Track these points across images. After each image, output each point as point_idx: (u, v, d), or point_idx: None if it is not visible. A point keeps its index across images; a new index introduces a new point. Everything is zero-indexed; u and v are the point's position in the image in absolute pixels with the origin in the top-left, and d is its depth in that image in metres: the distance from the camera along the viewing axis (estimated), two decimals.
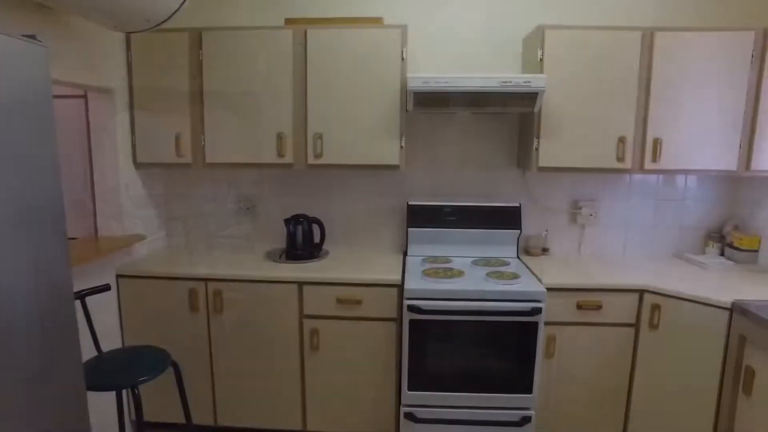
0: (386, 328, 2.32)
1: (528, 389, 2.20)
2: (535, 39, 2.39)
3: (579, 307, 2.26)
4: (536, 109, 2.30)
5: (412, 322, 2.19)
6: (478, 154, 2.76)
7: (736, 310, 1.97)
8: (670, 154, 2.37)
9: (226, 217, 2.88)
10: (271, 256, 2.59)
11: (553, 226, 2.81)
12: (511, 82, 2.18)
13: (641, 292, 2.24)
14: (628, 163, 2.38)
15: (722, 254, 2.67)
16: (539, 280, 2.28)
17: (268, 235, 2.87)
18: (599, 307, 2.25)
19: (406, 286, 2.19)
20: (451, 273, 2.33)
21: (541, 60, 2.32)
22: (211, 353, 2.40)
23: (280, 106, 2.41)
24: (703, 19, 2.63)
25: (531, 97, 2.22)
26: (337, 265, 2.47)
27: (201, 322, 2.37)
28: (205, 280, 2.33)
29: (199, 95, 2.43)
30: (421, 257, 2.68)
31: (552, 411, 2.35)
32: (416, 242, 2.71)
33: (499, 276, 2.29)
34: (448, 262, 2.58)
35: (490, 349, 2.19)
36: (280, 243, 2.87)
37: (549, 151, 2.39)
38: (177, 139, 2.46)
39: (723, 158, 2.37)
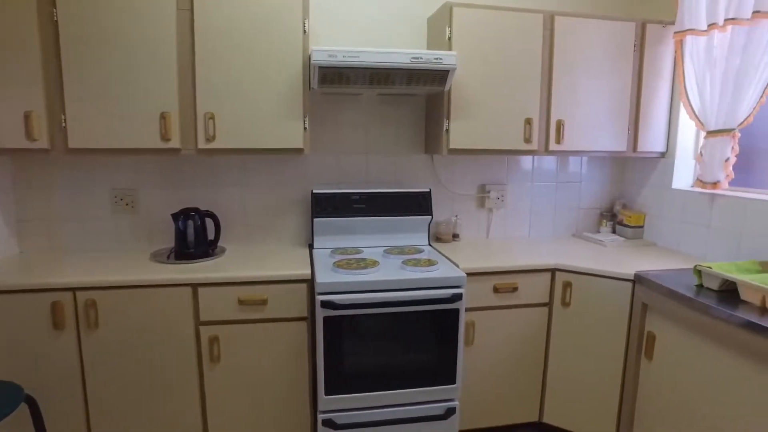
0: (297, 329, 2.09)
1: (451, 379, 2.11)
2: (442, 18, 2.31)
3: (496, 290, 2.23)
4: (447, 88, 2.22)
5: (326, 319, 1.99)
6: (384, 138, 2.63)
7: (638, 280, 2.07)
8: (571, 135, 2.44)
9: (98, 215, 2.43)
10: (158, 257, 2.23)
11: (462, 211, 2.78)
12: (422, 58, 2.07)
13: (553, 271, 2.27)
14: (534, 145, 2.40)
15: (614, 231, 2.84)
16: (456, 265, 2.21)
17: (154, 232, 2.48)
18: (515, 289, 2.24)
19: (317, 280, 1.98)
20: (364, 263, 2.17)
21: (449, 38, 2.25)
22: (84, 379, 1.98)
23: (163, 80, 2.06)
24: (598, 7, 2.76)
25: (442, 75, 2.14)
26: (236, 262, 2.19)
27: (69, 342, 1.94)
28: (73, 289, 1.91)
29: (56, 65, 2.00)
30: (329, 249, 2.49)
31: (473, 398, 2.30)
32: (323, 233, 2.51)
33: (416, 263, 2.18)
34: (358, 252, 2.41)
35: (411, 342, 2.07)
36: (168, 241, 2.50)
37: (459, 133, 2.33)
38: (27, 118, 1.99)
39: (615, 140, 2.49)
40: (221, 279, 1.99)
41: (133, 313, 1.96)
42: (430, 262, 2.19)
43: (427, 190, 2.59)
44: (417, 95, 2.58)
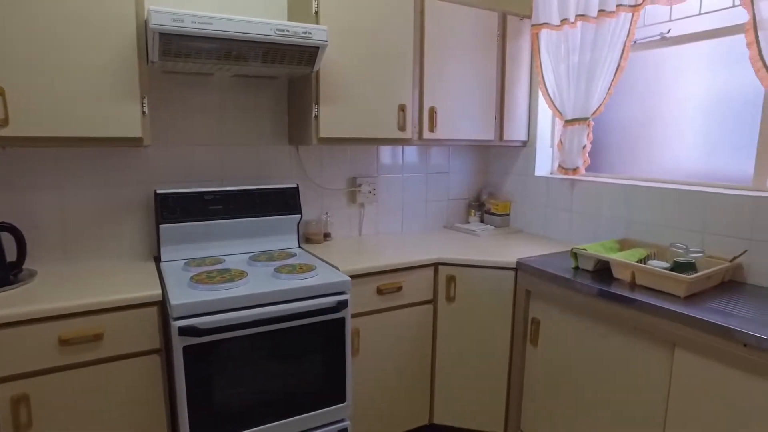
0: (147, 366, 1.65)
1: (341, 398, 1.87)
2: None
3: (380, 292, 2.05)
4: (316, 69, 1.96)
5: (187, 349, 1.59)
6: (242, 128, 2.27)
7: (520, 268, 2.06)
8: (444, 124, 2.37)
9: None
10: None
11: (332, 208, 2.54)
12: (288, 31, 1.78)
13: (436, 266, 2.17)
14: (409, 133, 2.27)
15: (482, 221, 2.87)
16: (336, 268, 1.97)
17: None
18: (399, 289, 2.09)
19: (171, 302, 1.58)
20: (229, 275, 1.81)
21: (316, 13, 1.99)
22: None
23: None
24: None
25: (311, 53, 1.87)
26: (52, 288, 1.65)
27: None
28: None
29: None
30: (183, 261, 2.05)
31: (362, 412, 2.08)
32: (172, 242, 2.06)
33: (291, 270, 1.89)
34: (219, 262, 2.03)
35: (293, 362, 1.78)
36: None
37: (330, 120, 2.09)
38: None
39: (484, 129, 2.50)
40: (31, 314, 1.47)
41: None
42: (307, 268, 1.92)
43: (295, 185, 2.31)
44: (278, 78, 2.28)
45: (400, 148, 2.67)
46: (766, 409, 1.33)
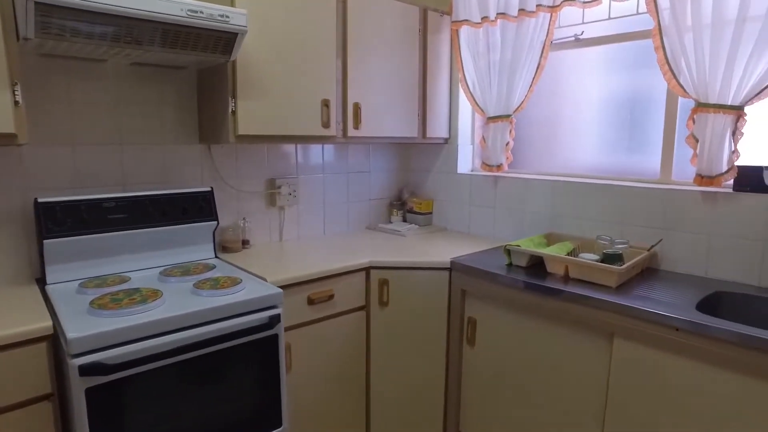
0: (33, 418, 1.35)
1: (277, 422, 1.69)
2: None
3: (311, 302, 1.89)
4: (233, 58, 1.75)
5: (91, 392, 1.31)
6: (144, 124, 1.97)
7: (455, 267, 2.03)
8: (368, 120, 2.26)
9: None
10: None
11: (250, 212, 2.32)
12: (202, 12, 1.55)
13: (367, 270, 2.06)
14: (333, 130, 2.13)
15: (405, 220, 2.81)
16: (263, 279, 1.78)
17: None
18: (331, 297, 1.95)
19: (67, 335, 1.29)
20: (140, 295, 1.55)
21: None
22: None
23: None
24: None
25: (228, 40, 1.65)
26: None
27: None
28: None
29: None
30: (77, 282, 1.73)
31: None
32: (61, 260, 1.72)
33: (213, 285, 1.66)
34: (125, 281, 1.73)
35: (222, 390, 1.56)
36: None
37: (250, 116, 1.88)
38: None
39: (408, 126, 2.43)
40: None
41: None
42: (231, 281, 1.70)
43: (209, 189, 2.06)
44: (186, 68, 2.01)
45: (320, 146, 2.52)
46: (700, 388, 1.41)
